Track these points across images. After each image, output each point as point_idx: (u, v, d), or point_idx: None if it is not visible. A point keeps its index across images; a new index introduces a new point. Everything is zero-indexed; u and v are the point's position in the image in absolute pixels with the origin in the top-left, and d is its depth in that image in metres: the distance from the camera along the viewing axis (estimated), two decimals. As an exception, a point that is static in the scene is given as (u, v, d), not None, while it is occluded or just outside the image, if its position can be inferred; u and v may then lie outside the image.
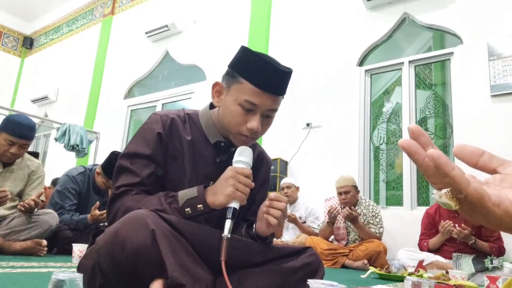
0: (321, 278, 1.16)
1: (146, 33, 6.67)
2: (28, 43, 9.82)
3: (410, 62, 4.26)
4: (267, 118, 1.15)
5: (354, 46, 4.56)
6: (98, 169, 3.13)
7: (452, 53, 3.96)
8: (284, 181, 4.17)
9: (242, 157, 1.07)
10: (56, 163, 7.11)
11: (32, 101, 8.63)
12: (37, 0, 8.89)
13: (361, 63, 4.55)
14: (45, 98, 8.35)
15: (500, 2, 3.72)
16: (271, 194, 1.13)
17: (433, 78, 4.30)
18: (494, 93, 3.55)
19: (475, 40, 3.78)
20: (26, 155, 2.76)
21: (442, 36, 4.25)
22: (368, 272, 2.63)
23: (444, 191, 0.39)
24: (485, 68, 3.65)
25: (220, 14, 6.00)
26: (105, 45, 7.72)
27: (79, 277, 0.93)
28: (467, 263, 2.89)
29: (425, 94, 4.22)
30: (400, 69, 4.34)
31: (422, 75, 4.30)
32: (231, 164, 1.07)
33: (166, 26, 6.37)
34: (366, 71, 4.51)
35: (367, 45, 4.49)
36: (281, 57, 4.28)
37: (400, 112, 4.23)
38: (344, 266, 3.35)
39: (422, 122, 4.14)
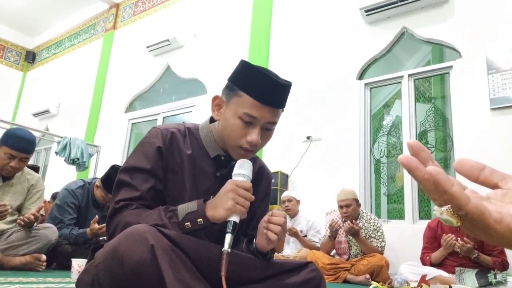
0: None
1: (148, 47, 6.74)
2: (30, 57, 9.91)
3: (409, 75, 4.29)
4: (267, 131, 1.15)
5: (354, 60, 4.59)
6: (98, 183, 3.11)
7: (451, 66, 3.98)
8: (285, 194, 4.15)
9: (242, 170, 1.06)
10: (57, 177, 7.10)
11: (34, 114, 8.67)
12: (40, 15, 9.00)
13: (361, 76, 4.58)
14: (46, 111, 8.39)
15: (498, 16, 3.75)
16: (274, 210, 1.12)
17: (433, 91, 4.32)
18: (494, 106, 3.56)
19: (473, 54, 3.80)
20: (26, 169, 2.76)
21: (441, 50, 4.28)
22: (371, 287, 2.60)
23: (445, 207, 0.38)
24: (484, 82, 3.66)
25: (220, 28, 6.06)
26: (107, 59, 7.78)
27: (77, 293, 0.92)
28: (470, 277, 2.86)
29: (425, 107, 4.23)
30: (400, 82, 4.36)
31: (422, 89, 4.32)
32: (231, 178, 1.07)
33: (167, 40, 6.44)
34: (366, 84, 4.53)
35: (367, 59, 4.52)
36: (281, 70, 4.31)
37: (400, 125, 4.24)
38: (346, 281, 3.31)
39: (422, 135, 4.14)
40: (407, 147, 0.43)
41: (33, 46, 10.08)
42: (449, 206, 0.38)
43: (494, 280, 2.74)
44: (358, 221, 3.50)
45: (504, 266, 2.96)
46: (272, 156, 4.56)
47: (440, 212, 0.38)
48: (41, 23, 9.36)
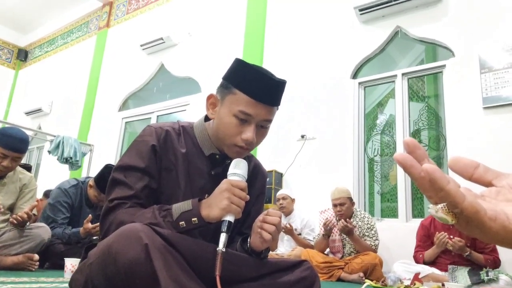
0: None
1: (141, 45, 6.70)
2: (22, 55, 9.80)
3: (403, 74, 4.30)
4: (262, 129, 1.14)
5: (348, 59, 4.60)
6: (91, 182, 3.09)
7: (444, 65, 4.00)
8: (280, 192, 4.15)
9: (237, 170, 1.06)
10: (49, 176, 7.04)
11: (26, 113, 8.59)
12: (32, 12, 8.91)
13: (354, 75, 4.59)
14: (39, 110, 8.32)
15: (491, 16, 3.78)
16: (270, 210, 1.12)
17: (426, 90, 4.35)
18: (486, 105, 3.59)
19: (466, 53, 3.83)
20: (18, 168, 2.73)
21: (434, 49, 4.30)
22: (364, 285, 2.61)
23: (440, 205, 0.38)
24: (477, 81, 3.69)
25: (215, 27, 6.05)
26: (100, 58, 7.73)
27: (70, 293, 0.92)
28: (462, 275, 2.88)
29: (418, 106, 4.25)
30: (394, 81, 4.38)
31: (415, 88, 4.35)
32: (226, 177, 1.06)
33: (161, 38, 6.41)
34: (359, 83, 4.54)
35: (361, 58, 4.53)
36: (276, 69, 4.30)
37: (394, 124, 4.25)
38: (340, 279, 3.33)
39: (415, 134, 4.16)
40: (403, 145, 0.43)
41: (25, 44, 9.98)
42: (444, 204, 0.38)
43: (486, 278, 2.76)
44: (352, 220, 3.51)
45: (496, 264, 2.99)
46: (267, 155, 4.56)
47: (435, 210, 0.39)
48: (34, 20, 9.27)
